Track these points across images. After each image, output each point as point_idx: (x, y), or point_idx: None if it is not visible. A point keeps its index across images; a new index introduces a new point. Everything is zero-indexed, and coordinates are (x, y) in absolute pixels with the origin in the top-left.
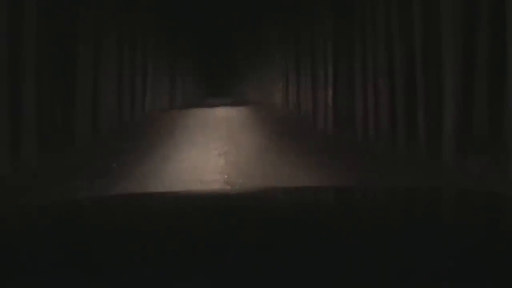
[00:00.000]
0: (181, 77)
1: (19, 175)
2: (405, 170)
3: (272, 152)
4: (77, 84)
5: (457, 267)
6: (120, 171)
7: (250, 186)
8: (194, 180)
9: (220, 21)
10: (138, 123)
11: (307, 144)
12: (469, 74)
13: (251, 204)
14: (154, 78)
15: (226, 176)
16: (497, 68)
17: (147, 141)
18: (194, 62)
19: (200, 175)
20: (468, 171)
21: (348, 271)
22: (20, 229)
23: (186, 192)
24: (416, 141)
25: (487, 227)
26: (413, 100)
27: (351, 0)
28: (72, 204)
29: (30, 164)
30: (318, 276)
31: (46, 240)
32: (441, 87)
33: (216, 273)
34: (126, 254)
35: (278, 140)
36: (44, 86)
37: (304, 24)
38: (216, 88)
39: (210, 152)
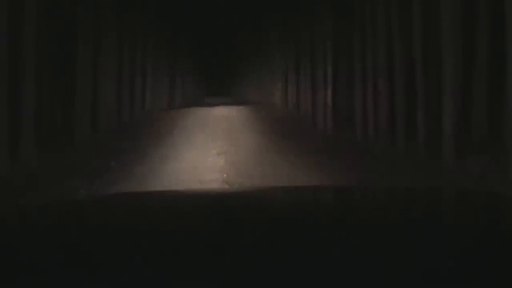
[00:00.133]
0: (181, 76)
1: (18, 175)
2: (405, 170)
3: (271, 152)
4: (76, 84)
5: (457, 267)
6: (119, 171)
7: (249, 185)
8: (193, 180)
9: (220, 21)
10: (137, 123)
11: (307, 144)
12: (468, 74)
13: (250, 203)
14: (154, 78)
15: (225, 176)
16: (497, 68)
17: (146, 140)
18: (194, 62)
19: (199, 174)
20: (468, 171)
21: (348, 271)
22: (20, 229)
23: (185, 191)
24: (416, 141)
25: (487, 227)
26: (412, 100)
27: (351, 0)
28: (71, 203)
29: (30, 164)
30: (317, 276)
31: (46, 240)
32: (441, 87)
33: (216, 273)
34: (126, 254)
35: (278, 139)
36: (44, 86)
37: (304, 24)
38: (215, 88)
39: (210, 152)
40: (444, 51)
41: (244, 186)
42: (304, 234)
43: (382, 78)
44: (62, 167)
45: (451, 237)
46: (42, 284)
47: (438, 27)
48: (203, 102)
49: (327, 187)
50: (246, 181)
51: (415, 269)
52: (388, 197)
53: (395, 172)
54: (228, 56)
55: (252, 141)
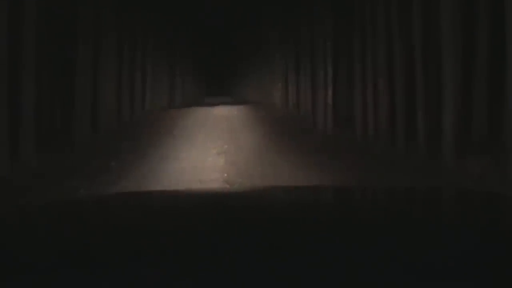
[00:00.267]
0: (181, 76)
1: (18, 175)
2: (405, 170)
3: (271, 152)
4: (76, 84)
5: (457, 267)
6: (119, 171)
7: (249, 185)
8: (193, 179)
9: (220, 21)
10: (137, 123)
11: (307, 143)
12: (468, 74)
13: (250, 203)
14: (154, 78)
15: (225, 175)
16: (497, 68)
17: (146, 140)
18: (194, 62)
19: (199, 174)
20: (468, 171)
21: (348, 271)
22: (20, 229)
23: (185, 191)
24: (416, 141)
25: (487, 227)
26: (412, 100)
27: (351, 0)
28: (71, 203)
29: (30, 164)
30: (317, 275)
31: (46, 240)
32: (441, 87)
33: (216, 273)
34: (126, 254)
35: (278, 139)
36: (44, 86)
37: (304, 24)
38: (215, 88)
39: (210, 151)
40: (444, 51)
41: (244, 186)
42: (304, 234)
43: (382, 78)
44: (62, 167)
45: (451, 237)
46: (42, 284)
47: (438, 27)
48: (203, 102)
49: (327, 187)
50: (246, 181)
51: (415, 269)
52: (388, 197)
53: (395, 172)
54: (228, 56)
55: (252, 141)
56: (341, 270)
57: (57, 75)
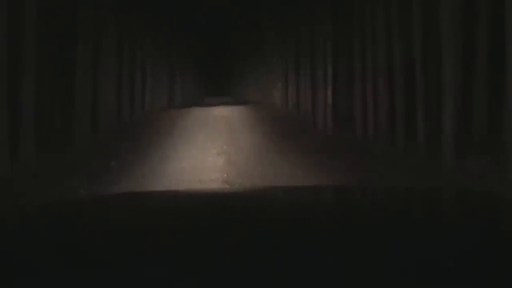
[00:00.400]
0: (181, 77)
1: (18, 175)
2: (405, 170)
3: (271, 152)
4: (76, 84)
5: (457, 267)
6: (119, 171)
7: (249, 185)
8: (193, 180)
9: (220, 21)
10: (137, 123)
11: (306, 143)
12: (468, 74)
13: (250, 203)
14: (153, 78)
15: (225, 176)
16: (497, 68)
17: (146, 140)
18: (194, 62)
19: (199, 174)
20: (468, 171)
21: (348, 271)
22: (20, 229)
23: (185, 191)
24: (416, 141)
25: (487, 227)
26: (412, 100)
27: (351, 0)
28: (71, 203)
29: (30, 164)
30: (318, 275)
31: (46, 240)
32: (441, 87)
33: (216, 272)
34: (126, 254)
35: (278, 139)
36: (44, 86)
37: (303, 24)
38: (215, 88)
39: (209, 152)
40: (444, 51)
41: (244, 186)
42: (304, 234)
43: (382, 78)
44: (62, 167)
45: (451, 237)
46: (42, 284)
47: (438, 27)
48: (203, 102)
49: (327, 187)
50: (246, 181)
51: (415, 269)
52: (388, 197)
53: (395, 172)
54: (228, 56)
55: (252, 141)
56: (341, 270)
57: (57, 75)
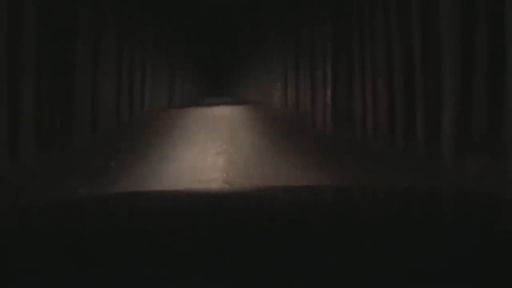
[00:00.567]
0: (180, 76)
1: (18, 175)
2: (404, 170)
3: (271, 152)
4: (76, 84)
5: (457, 267)
6: (119, 171)
7: (249, 185)
8: (193, 179)
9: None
10: (136, 123)
11: (306, 143)
12: (468, 74)
13: (250, 203)
14: (153, 78)
15: (225, 175)
16: (496, 68)
17: (146, 140)
18: (193, 62)
19: (199, 174)
20: (468, 171)
21: (348, 271)
22: (20, 229)
23: (185, 191)
24: (415, 141)
25: (487, 227)
26: (412, 100)
27: (350, 0)
28: (71, 203)
29: (29, 164)
30: (318, 275)
31: (46, 240)
32: (440, 87)
33: (216, 272)
34: (126, 254)
35: (277, 139)
36: (44, 86)
37: (303, 24)
38: (215, 88)
39: (209, 151)
40: (444, 51)
41: (244, 186)
42: (304, 234)
43: (381, 78)
44: (62, 167)
45: (451, 237)
46: (42, 284)
47: (437, 27)
48: (203, 102)
49: (327, 187)
50: (245, 180)
51: (415, 269)
52: (388, 197)
53: (395, 172)
54: (228, 56)
55: (251, 141)
56: (341, 270)
57: (57, 75)
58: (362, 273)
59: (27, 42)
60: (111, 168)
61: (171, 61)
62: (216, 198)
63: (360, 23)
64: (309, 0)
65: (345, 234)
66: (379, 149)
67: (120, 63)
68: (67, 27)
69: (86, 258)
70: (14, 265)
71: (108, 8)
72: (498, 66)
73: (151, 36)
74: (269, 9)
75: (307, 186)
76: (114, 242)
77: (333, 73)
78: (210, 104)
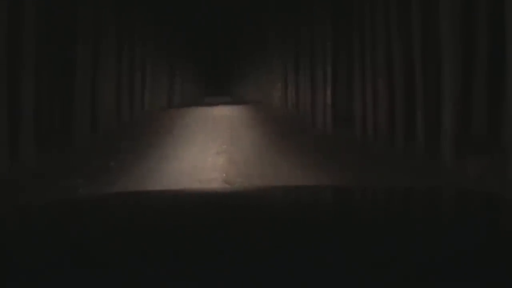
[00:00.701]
0: (180, 76)
1: (18, 175)
2: (404, 170)
3: (271, 151)
4: (76, 84)
5: (457, 267)
6: (119, 171)
7: (249, 185)
8: (193, 179)
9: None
10: (136, 123)
11: (306, 143)
12: (468, 74)
13: (250, 203)
14: (153, 78)
15: (225, 175)
16: (496, 68)
17: (145, 140)
18: (193, 62)
19: (199, 174)
20: (468, 171)
21: (348, 271)
22: (20, 229)
23: (185, 191)
24: (415, 141)
25: (487, 227)
26: (412, 100)
27: (350, 0)
28: (71, 203)
29: (29, 164)
30: (318, 275)
31: (46, 240)
32: (440, 87)
33: (216, 272)
34: (126, 254)
35: (277, 139)
36: (44, 86)
37: (303, 24)
38: (215, 88)
39: (209, 151)
40: (444, 51)
41: (244, 186)
42: (304, 234)
43: (381, 78)
44: (62, 167)
45: (451, 237)
46: (42, 284)
47: (437, 27)
48: (203, 102)
49: (327, 187)
50: (245, 180)
51: (415, 269)
52: (387, 197)
53: (395, 172)
54: (228, 56)
55: (251, 140)
56: (341, 270)
57: (57, 75)
58: (362, 273)
59: (27, 42)
60: (111, 168)
61: (171, 61)
62: (216, 197)
63: (360, 23)
64: (309, 0)
65: (345, 234)
66: (379, 149)
67: (120, 63)
68: (67, 27)
69: (86, 258)
70: (14, 265)
71: (108, 8)
72: (498, 66)
73: (151, 36)
74: (269, 9)
75: (307, 186)
76: (114, 242)
77: (333, 73)
78: (210, 104)
